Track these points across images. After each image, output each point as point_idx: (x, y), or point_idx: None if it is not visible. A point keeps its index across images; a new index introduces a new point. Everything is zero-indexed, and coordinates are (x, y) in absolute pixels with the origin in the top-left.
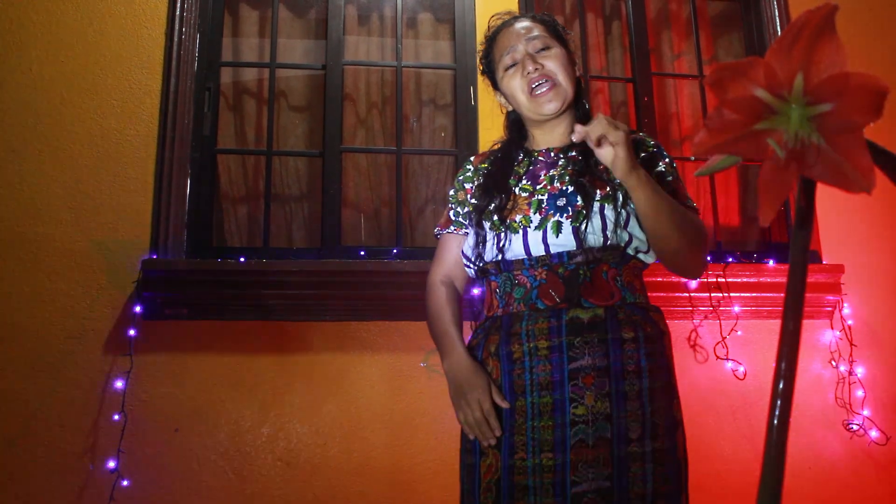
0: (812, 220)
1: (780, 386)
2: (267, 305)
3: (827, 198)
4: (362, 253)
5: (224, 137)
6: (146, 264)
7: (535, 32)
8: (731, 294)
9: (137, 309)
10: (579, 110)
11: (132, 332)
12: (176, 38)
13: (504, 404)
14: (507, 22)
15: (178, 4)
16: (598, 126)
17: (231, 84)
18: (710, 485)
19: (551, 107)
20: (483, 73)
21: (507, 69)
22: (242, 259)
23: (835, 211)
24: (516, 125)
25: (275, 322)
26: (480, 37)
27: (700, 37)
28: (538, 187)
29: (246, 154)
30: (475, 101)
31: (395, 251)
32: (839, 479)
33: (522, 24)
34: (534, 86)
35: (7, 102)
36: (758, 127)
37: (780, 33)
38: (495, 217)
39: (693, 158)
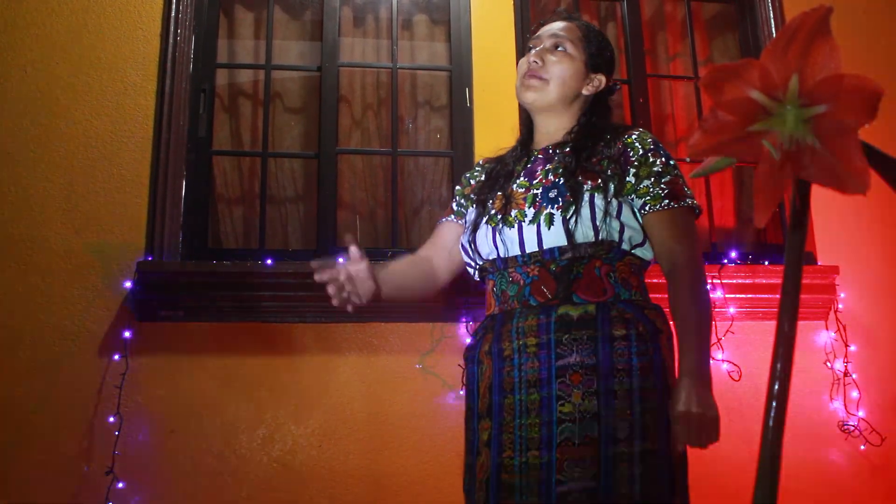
0: (807, 221)
1: (776, 387)
2: (262, 307)
3: (822, 199)
4: None
5: (219, 139)
6: (141, 266)
7: (563, 34)
8: (727, 295)
9: (132, 311)
10: (585, 118)
11: (127, 334)
12: (171, 40)
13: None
14: (556, 18)
15: (173, 6)
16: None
17: (226, 85)
18: (705, 486)
19: (528, 96)
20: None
21: (527, 51)
22: (238, 261)
23: (830, 212)
24: (527, 122)
25: (270, 324)
26: (476, 38)
27: (695, 38)
28: (534, 182)
29: (241, 156)
30: (471, 102)
31: (390, 253)
32: (834, 480)
33: (562, 23)
34: (526, 74)
35: (1, 104)
36: (753, 128)
37: (774, 35)
38: (493, 211)
39: (688, 160)
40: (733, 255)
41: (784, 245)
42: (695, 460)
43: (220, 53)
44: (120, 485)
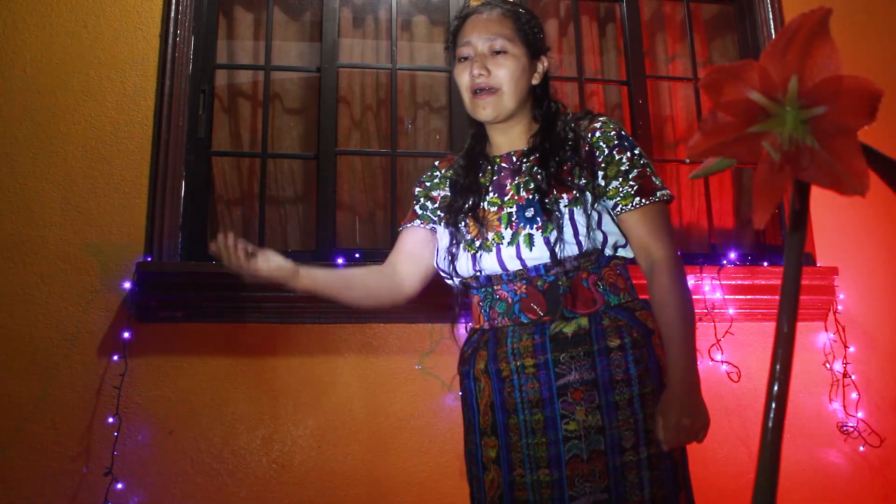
0: (806, 222)
1: (775, 388)
2: (261, 308)
3: (821, 200)
4: (357, 255)
5: (219, 140)
6: (140, 266)
7: (497, 30)
8: (726, 296)
9: (131, 311)
10: (540, 110)
11: (126, 335)
12: (170, 41)
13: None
14: (478, 9)
15: (173, 7)
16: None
17: (226, 86)
18: (705, 487)
19: (486, 113)
20: (446, 49)
21: (460, 60)
22: None
23: (829, 213)
24: (478, 125)
25: (269, 324)
26: None
27: (694, 40)
28: (506, 199)
29: (241, 156)
30: None
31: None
32: (833, 481)
33: (490, 14)
34: (476, 90)
35: (1, 104)
36: (752, 129)
37: (774, 36)
38: (468, 237)
39: (688, 161)
40: (732, 256)
41: (783, 246)
42: (694, 462)
43: (220, 54)
44: (119, 485)
